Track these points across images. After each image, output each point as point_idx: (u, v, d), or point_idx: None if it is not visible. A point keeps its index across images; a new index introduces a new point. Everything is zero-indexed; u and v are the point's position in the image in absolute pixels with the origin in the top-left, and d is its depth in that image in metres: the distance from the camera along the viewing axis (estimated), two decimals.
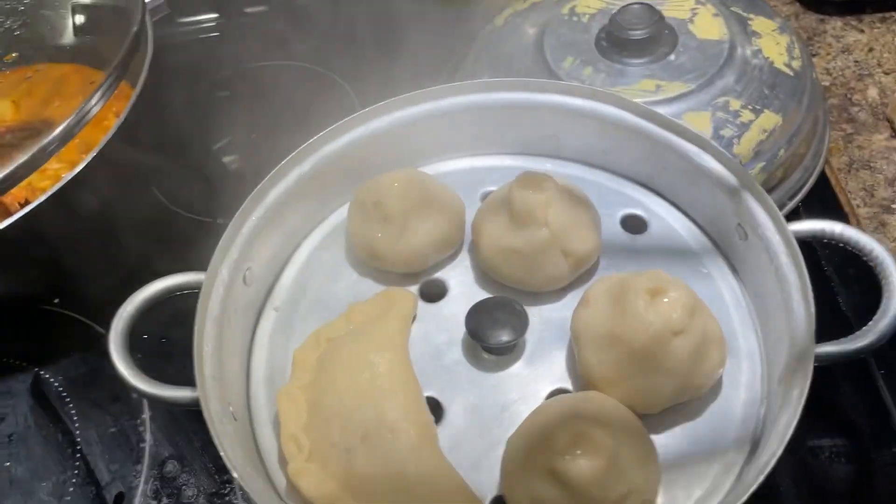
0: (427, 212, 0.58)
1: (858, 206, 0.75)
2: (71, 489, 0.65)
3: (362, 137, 0.62)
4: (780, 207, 0.74)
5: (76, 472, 0.66)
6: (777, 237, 0.52)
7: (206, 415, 0.47)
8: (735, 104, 0.71)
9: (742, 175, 0.55)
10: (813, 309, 0.48)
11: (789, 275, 0.50)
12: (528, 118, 0.63)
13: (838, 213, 0.75)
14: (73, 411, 0.70)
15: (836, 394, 0.63)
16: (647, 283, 0.49)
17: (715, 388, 0.51)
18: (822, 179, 0.77)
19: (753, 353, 0.53)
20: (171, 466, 0.66)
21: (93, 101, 0.69)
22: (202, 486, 0.64)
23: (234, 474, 0.44)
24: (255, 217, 0.57)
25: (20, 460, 0.67)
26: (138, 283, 0.76)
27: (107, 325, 0.74)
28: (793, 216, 0.74)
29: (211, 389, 0.49)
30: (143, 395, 0.50)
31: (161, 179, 0.86)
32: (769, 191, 0.73)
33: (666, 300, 0.48)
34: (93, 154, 0.70)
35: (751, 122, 0.70)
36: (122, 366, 0.50)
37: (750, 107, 0.71)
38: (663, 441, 0.50)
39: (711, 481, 0.48)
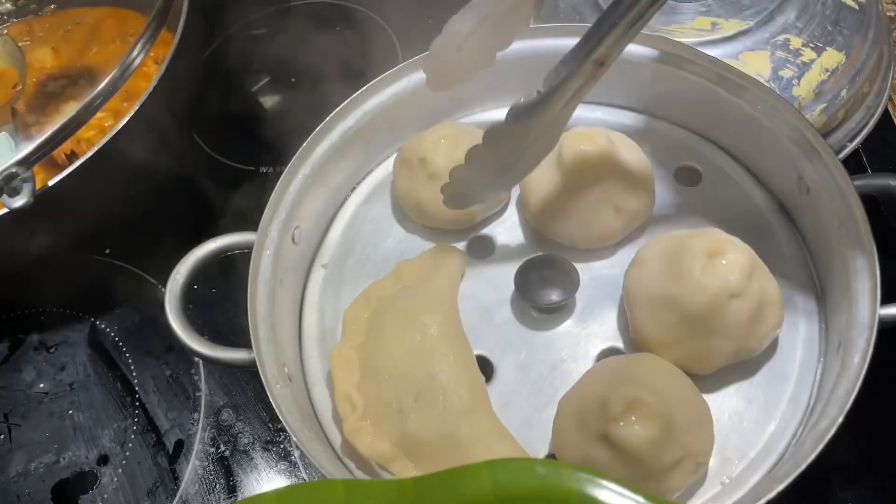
0: None
1: None
2: (133, 436, 0.67)
3: (406, 90, 0.61)
4: (840, 150, 0.71)
5: (136, 419, 0.68)
6: (840, 192, 0.50)
7: (263, 378, 0.48)
8: (796, 42, 0.67)
9: (805, 127, 0.53)
10: (878, 269, 0.46)
11: (852, 232, 0.48)
12: None
13: None
14: (130, 360, 0.72)
15: None
16: (704, 243, 0.47)
17: (771, 347, 0.50)
18: (885, 119, 0.73)
19: (812, 311, 0.52)
20: (226, 415, 0.68)
21: (135, 52, 0.69)
22: (257, 434, 0.66)
23: (294, 437, 0.45)
24: (302, 175, 0.57)
25: (82, 408, 0.69)
26: (185, 233, 0.78)
27: (157, 274, 0.76)
28: (853, 159, 0.71)
29: (266, 352, 0.49)
30: (201, 357, 0.51)
31: (203, 127, 0.86)
32: (829, 133, 0.70)
33: (723, 262, 0.47)
34: (138, 104, 0.70)
35: (812, 61, 0.67)
36: (180, 329, 0.51)
37: (812, 44, 0.67)
38: (717, 400, 0.49)
39: (765, 442, 0.48)
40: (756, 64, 0.67)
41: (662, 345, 0.48)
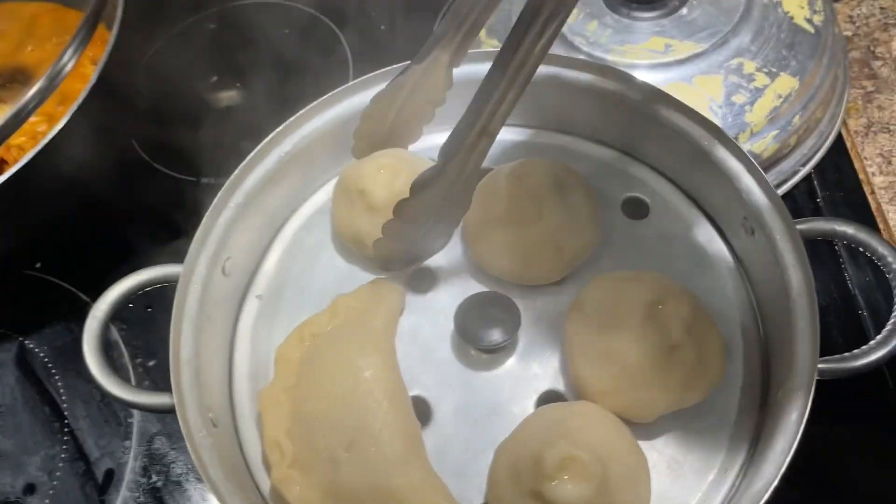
0: None
1: (874, 173, 0.71)
2: (60, 464, 0.65)
3: (348, 112, 0.58)
4: (792, 175, 0.70)
5: (65, 446, 0.65)
6: (785, 238, 0.49)
7: (182, 428, 0.46)
8: (749, 66, 0.66)
9: (750, 167, 0.51)
10: (817, 322, 0.45)
11: (794, 282, 0.47)
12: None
13: (853, 182, 0.71)
14: (60, 383, 0.69)
15: None
16: (645, 293, 0.46)
17: (712, 394, 0.49)
18: (838, 143, 0.73)
19: (754, 356, 0.51)
20: (158, 443, 0.65)
21: (69, 52, 0.65)
22: (191, 464, 0.63)
23: (213, 493, 0.43)
24: (234, 205, 0.54)
25: (8, 434, 0.66)
26: (121, 248, 0.75)
27: (90, 291, 0.73)
28: (805, 184, 0.71)
29: (189, 398, 0.47)
30: (119, 402, 0.48)
31: (142, 133, 0.82)
32: (780, 159, 0.69)
33: (664, 313, 0.45)
34: (73, 108, 0.66)
35: (765, 86, 0.66)
36: (98, 371, 0.48)
37: (765, 69, 0.66)
38: (657, 447, 0.48)
39: (704, 492, 0.47)
40: (709, 88, 0.66)
41: (601, 394, 0.47)
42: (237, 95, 0.86)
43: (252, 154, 0.55)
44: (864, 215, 0.69)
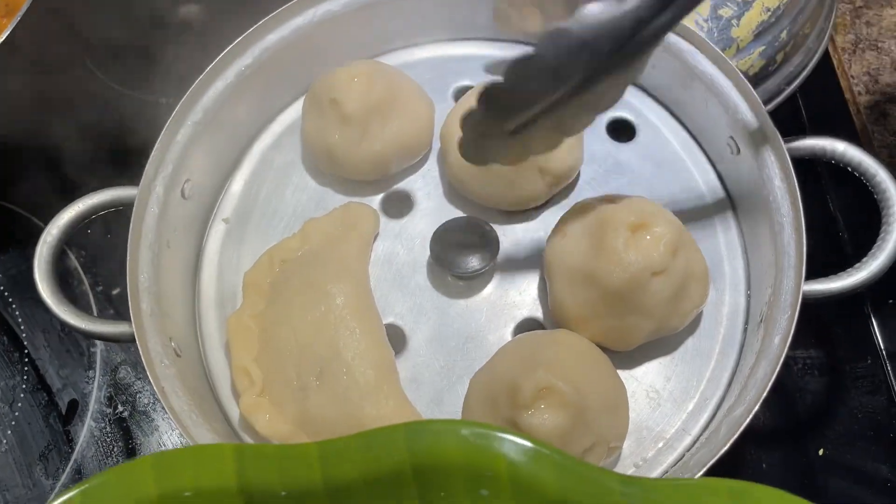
0: (391, 113, 0.52)
1: (860, 92, 0.69)
2: (22, 395, 0.62)
3: (312, 23, 0.54)
4: (777, 93, 0.68)
5: (25, 377, 0.63)
6: (772, 157, 0.47)
7: (143, 357, 0.43)
8: None
9: (738, 81, 0.49)
10: (804, 245, 0.44)
11: (782, 203, 0.45)
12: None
13: (839, 101, 0.69)
14: (17, 312, 0.66)
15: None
16: (629, 216, 0.44)
17: (694, 322, 0.48)
18: (825, 61, 0.70)
19: (739, 283, 0.50)
20: (123, 372, 0.63)
21: None
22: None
23: (177, 423, 0.41)
24: (192, 122, 0.51)
25: None
26: (77, 171, 0.71)
27: (46, 216, 0.69)
28: (789, 103, 0.68)
29: (149, 327, 0.45)
30: (75, 331, 0.46)
31: (96, 48, 0.77)
32: (766, 77, 0.66)
33: (648, 237, 0.44)
34: (17, 18, 0.61)
35: None
36: (51, 299, 0.46)
37: None
38: (636, 377, 0.47)
39: (683, 421, 0.46)
40: None
41: (581, 321, 0.46)
42: (198, 8, 0.81)
43: (209, 68, 0.51)
44: (849, 136, 0.67)
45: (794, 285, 0.43)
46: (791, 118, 0.69)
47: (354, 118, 0.50)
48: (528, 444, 0.31)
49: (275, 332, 0.47)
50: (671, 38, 0.51)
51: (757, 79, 0.65)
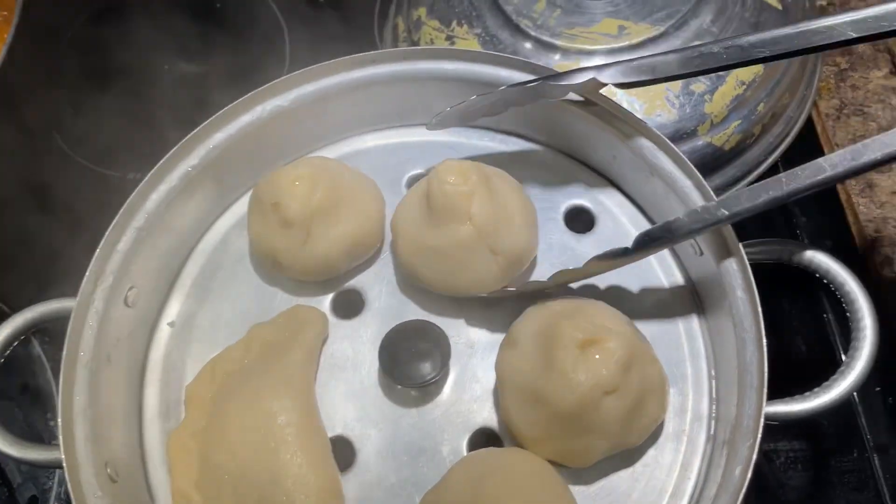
0: (337, 213, 0.50)
1: None
2: None
3: (261, 119, 0.52)
4: (756, 166, 0.65)
5: None
6: (733, 265, 0.44)
7: (72, 492, 0.41)
8: None
9: (700, 185, 0.46)
10: (766, 365, 0.41)
11: (744, 316, 0.43)
12: (455, 88, 0.53)
13: None
14: None
15: None
16: (577, 331, 0.42)
17: (656, 430, 0.45)
18: (808, 127, 0.67)
19: (702, 386, 0.47)
20: None
21: None
22: None
23: None
24: (134, 228, 0.49)
25: None
26: (39, 250, 0.70)
27: (12, 299, 0.68)
28: (770, 174, 0.65)
29: (82, 453, 0.43)
30: (4, 456, 0.44)
31: (62, 121, 0.76)
32: (744, 150, 0.64)
33: (597, 356, 0.41)
34: None
35: (727, 73, 0.60)
36: None
37: None
38: (594, 492, 0.45)
39: None
40: None
41: (534, 441, 0.43)
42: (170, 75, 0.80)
43: (153, 171, 0.50)
44: (833, 208, 0.65)
45: (755, 410, 0.40)
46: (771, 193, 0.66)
47: (296, 222, 0.48)
48: None
49: (214, 455, 0.45)
50: (630, 130, 0.49)
51: (734, 153, 0.63)
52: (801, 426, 0.56)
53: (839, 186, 0.65)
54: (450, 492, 0.42)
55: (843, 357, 0.41)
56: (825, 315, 0.61)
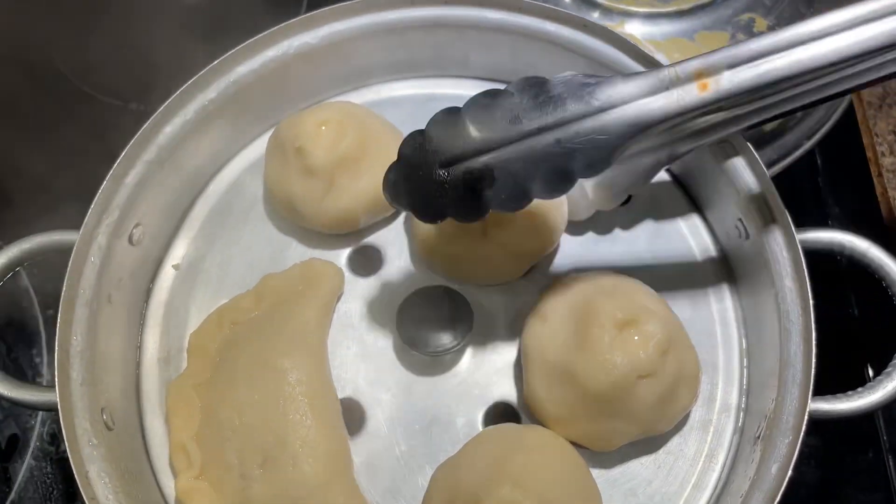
0: (361, 164, 0.47)
1: (884, 153, 0.64)
2: None
3: (287, 56, 0.49)
4: (794, 149, 0.63)
5: None
6: (784, 252, 0.42)
7: (66, 438, 0.39)
8: (761, 24, 0.57)
9: (751, 159, 0.44)
10: (814, 360, 0.39)
11: (791, 307, 0.41)
12: (495, 39, 0.50)
13: (859, 161, 0.64)
14: None
15: None
16: (616, 310, 0.39)
17: (680, 422, 0.43)
18: (848, 115, 0.65)
19: (733, 377, 0.45)
20: None
21: None
22: None
23: None
24: (145, 161, 0.46)
25: None
26: (39, 182, 0.66)
27: (6, 232, 0.65)
28: (807, 158, 0.63)
29: (78, 399, 0.40)
30: None
31: (65, 48, 0.72)
32: (782, 133, 0.61)
33: (636, 337, 0.39)
34: None
35: None
36: None
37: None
38: (614, 477, 0.43)
39: None
40: (712, 47, 0.57)
41: (557, 421, 0.41)
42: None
43: (168, 102, 0.46)
44: (867, 200, 0.62)
45: (798, 406, 0.38)
46: (806, 175, 0.64)
47: (320, 170, 0.45)
48: None
49: (218, 409, 0.43)
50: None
51: (774, 134, 0.60)
52: (817, 423, 0.55)
53: (875, 178, 0.63)
54: (467, 469, 0.40)
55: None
56: (850, 310, 0.59)
